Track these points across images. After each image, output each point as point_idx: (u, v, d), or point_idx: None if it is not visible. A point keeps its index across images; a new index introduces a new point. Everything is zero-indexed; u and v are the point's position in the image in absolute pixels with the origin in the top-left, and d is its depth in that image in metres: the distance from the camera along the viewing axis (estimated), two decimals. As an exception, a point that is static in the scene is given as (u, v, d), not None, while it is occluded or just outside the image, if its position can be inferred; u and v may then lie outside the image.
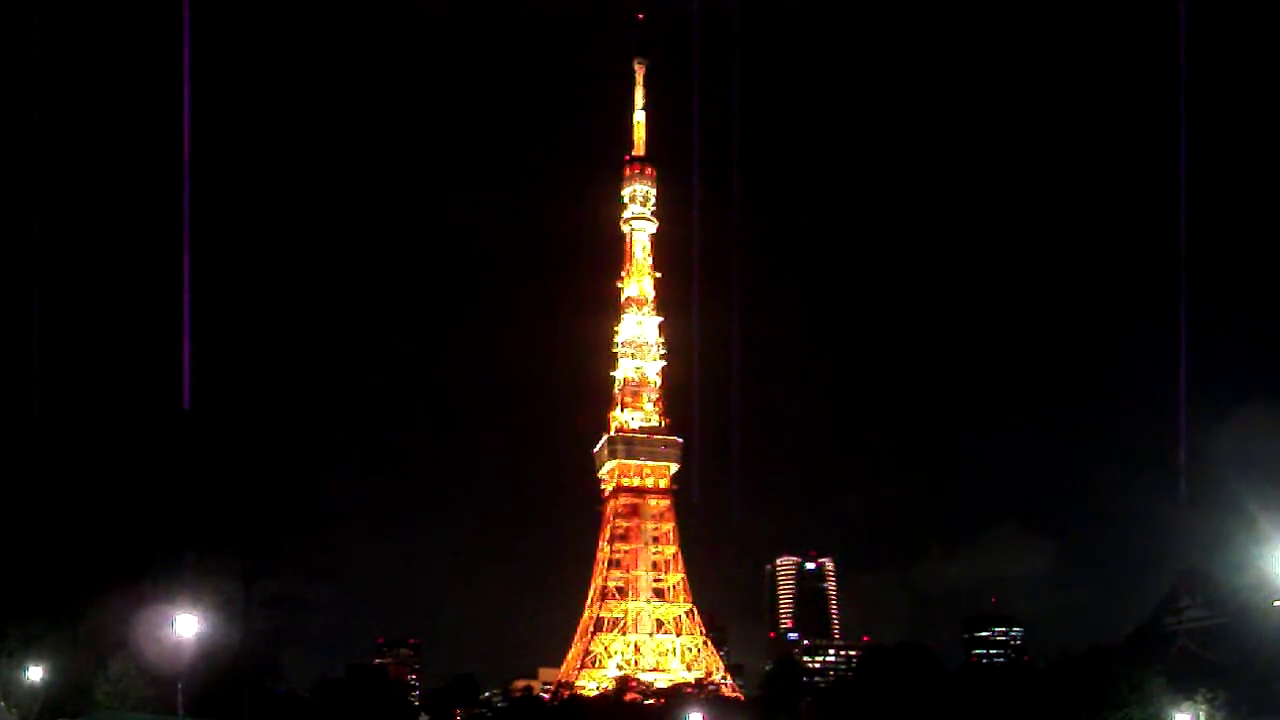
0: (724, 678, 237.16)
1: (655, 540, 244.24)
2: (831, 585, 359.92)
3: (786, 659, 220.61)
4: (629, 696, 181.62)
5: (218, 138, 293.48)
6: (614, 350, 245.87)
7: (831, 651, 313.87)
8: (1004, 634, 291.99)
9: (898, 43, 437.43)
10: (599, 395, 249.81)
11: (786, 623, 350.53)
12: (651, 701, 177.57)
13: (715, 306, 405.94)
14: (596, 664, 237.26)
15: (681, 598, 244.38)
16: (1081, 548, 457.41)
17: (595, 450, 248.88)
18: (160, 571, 64.46)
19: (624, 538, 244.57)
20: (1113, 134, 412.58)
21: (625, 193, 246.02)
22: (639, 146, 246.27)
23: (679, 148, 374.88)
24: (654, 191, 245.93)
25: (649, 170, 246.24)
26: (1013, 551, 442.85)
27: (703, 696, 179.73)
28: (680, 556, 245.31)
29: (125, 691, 61.34)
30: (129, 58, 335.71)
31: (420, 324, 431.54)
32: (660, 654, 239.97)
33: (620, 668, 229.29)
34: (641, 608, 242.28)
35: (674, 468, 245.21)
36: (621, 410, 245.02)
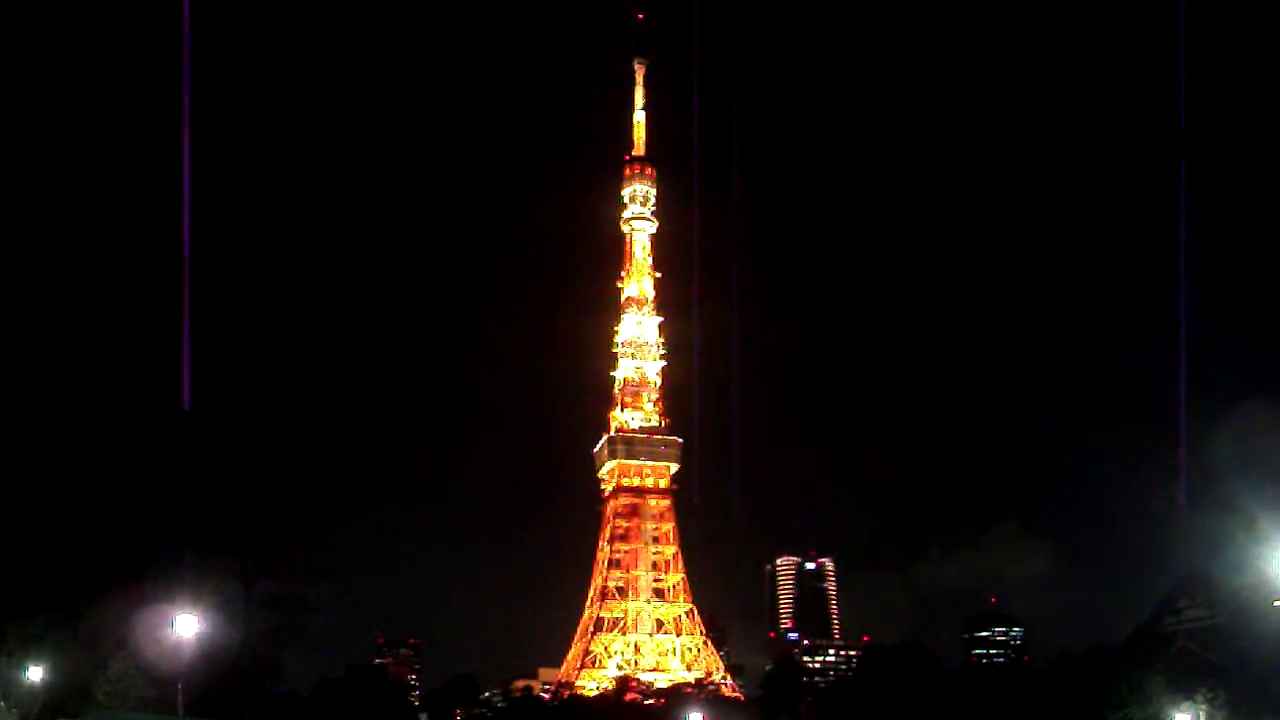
0: (724, 678, 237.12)
1: (655, 540, 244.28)
2: (831, 585, 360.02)
3: (786, 659, 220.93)
4: (629, 696, 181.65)
5: (218, 137, 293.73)
6: (614, 350, 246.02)
7: (831, 651, 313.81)
8: (1004, 634, 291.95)
9: (898, 42, 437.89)
10: (599, 395, 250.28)
11: (786, 623, 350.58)
12: (651, 701, 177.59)
13: (715, 306, 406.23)
14: (596, 664, 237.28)
15: (681, 598, 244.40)
16: (1081, 548, 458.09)
17: (595, 450, 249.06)
18: (160, 571, 64.38)
19: (624, 538, 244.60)
20: (1113, 134, 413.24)
21: (625, 193, 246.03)
22: (639, 146, 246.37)
23: (679, 148, 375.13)
24: (654, 191, 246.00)
25: (649, 170, 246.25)
26: (1013, 551, 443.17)
27: (703, 696, 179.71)
28: (680, 556, 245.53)
29: (125, 691, 61.25)
30: (129, 58, 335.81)
31: (420, 324, 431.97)
32: (660, 654, 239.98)
33: (620, 668, 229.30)
34: (641, 608, 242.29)
35: (674, 468, 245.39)
36: (621, 410, 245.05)
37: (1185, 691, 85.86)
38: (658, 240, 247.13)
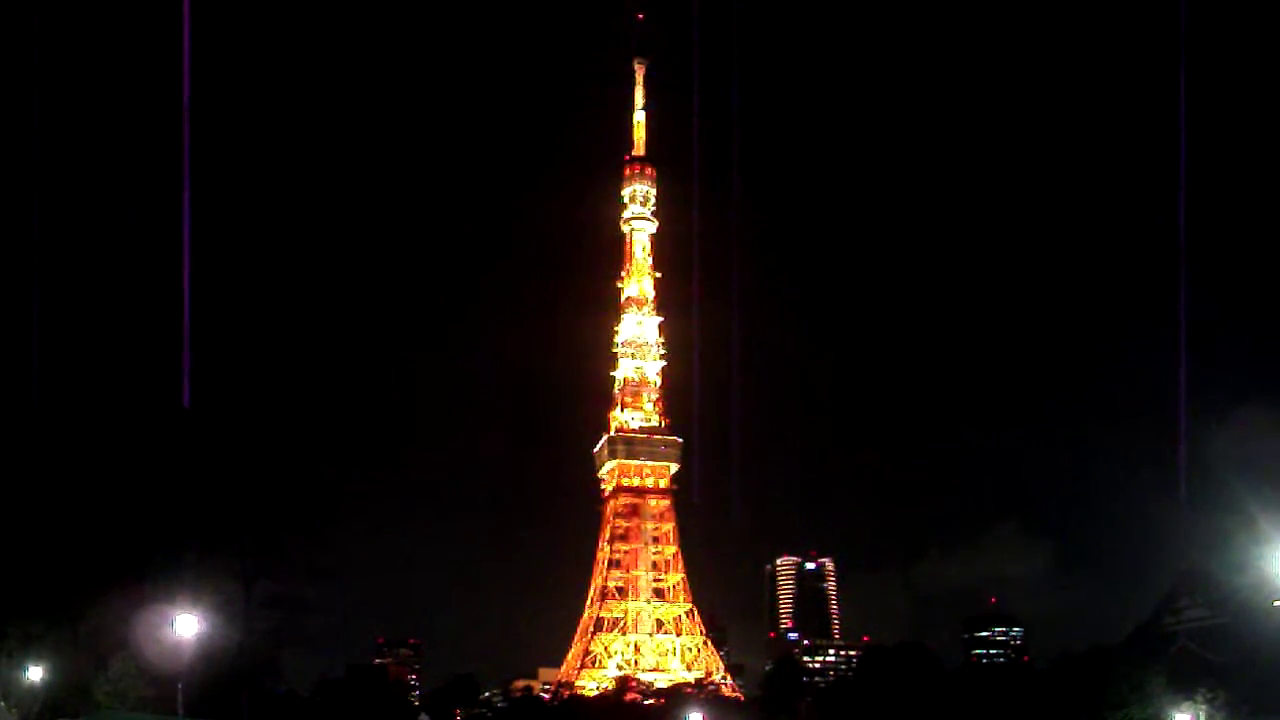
0: (724, 678, 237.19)
1: (655, 540, 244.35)
2: (831, 585, 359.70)
3: (786, 659, 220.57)
4: (629, 696, 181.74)
5: (218, 137, 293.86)
6: (614, 350, 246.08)
7: (831, 651, 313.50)
8: (1004, 634, 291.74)
9: (897, 42, 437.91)
10: (599, 395, 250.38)
11: (786, 623, 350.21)
12: (651, 701, 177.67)
13: (715, 306, 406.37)
14: (596, 664, 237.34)
15: (681, 598, 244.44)
16: (1081, 548, 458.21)
17: (595, 450, 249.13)
18: (160, 571, 64.39)
19: (624, 538, 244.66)
20: (1113, 133, 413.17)
21: (625, 193, 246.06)
22: (639, 146, 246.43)
23: (679, 148, 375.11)
24: (654, 191, 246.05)
25: (649, 170, 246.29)
26: (1013, 551, 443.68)
27: (703, 696, 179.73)
28: (680, 556, 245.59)
29: (125, 691, 61.23)
30: (129, 57, 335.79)
31: (421, 323, 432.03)
32: (660, 654, 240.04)
33: (620, 668, 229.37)
34: (641, 608, 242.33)
35: (674, 468, 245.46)
36: (621, 410, 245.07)
37: (1185, 691, 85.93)
38: (658, 240, 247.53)
